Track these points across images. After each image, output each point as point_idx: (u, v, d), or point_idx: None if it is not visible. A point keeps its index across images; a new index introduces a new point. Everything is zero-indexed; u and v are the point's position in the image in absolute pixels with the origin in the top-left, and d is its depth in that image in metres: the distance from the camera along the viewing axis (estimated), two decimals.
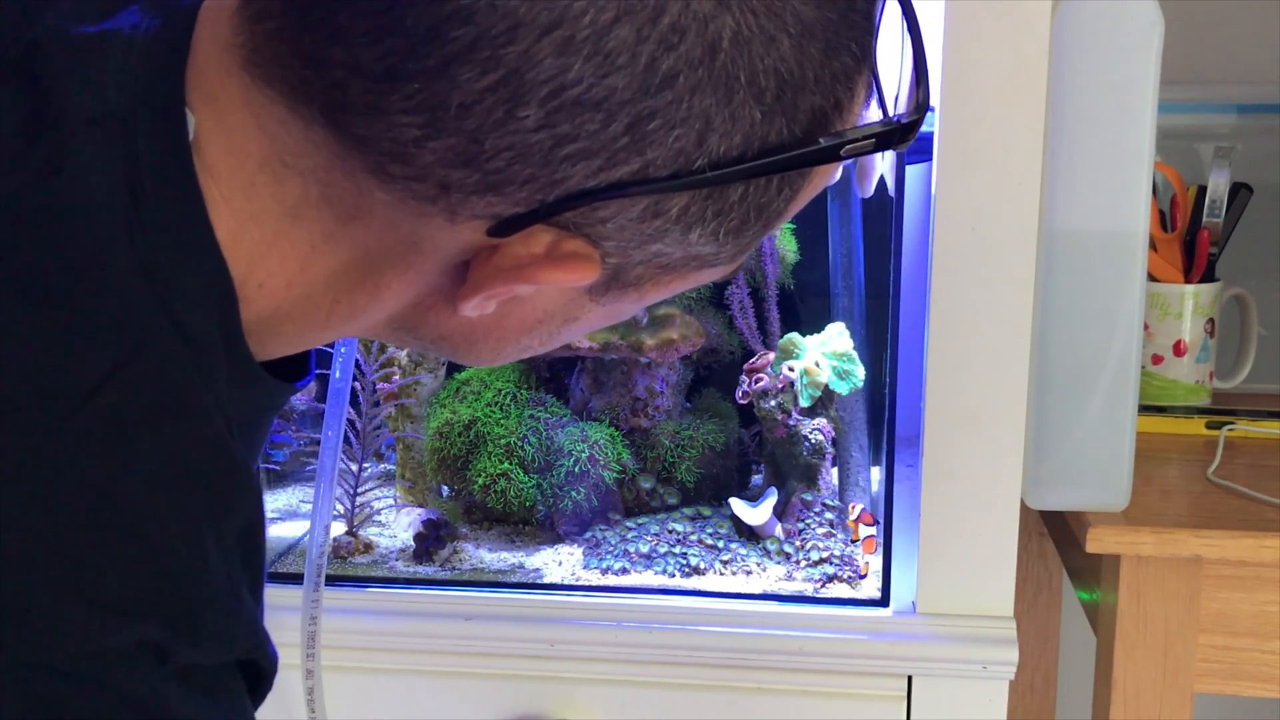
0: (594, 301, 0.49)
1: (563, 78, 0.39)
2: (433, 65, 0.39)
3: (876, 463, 1.13)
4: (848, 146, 0.43)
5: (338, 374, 0.88)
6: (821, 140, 0.43)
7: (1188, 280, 1.15)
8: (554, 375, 1.12)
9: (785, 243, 1.09)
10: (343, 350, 0.87)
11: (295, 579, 0.99)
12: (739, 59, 0.40)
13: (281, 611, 0.92)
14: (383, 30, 0.39)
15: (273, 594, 0.96)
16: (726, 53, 0.40)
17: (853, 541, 0.99)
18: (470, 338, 0.50)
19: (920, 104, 0.45)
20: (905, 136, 0.44)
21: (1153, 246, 1.11)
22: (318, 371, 1.05)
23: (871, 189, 0.97)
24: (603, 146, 0.40)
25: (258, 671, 0.47)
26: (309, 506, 1.12)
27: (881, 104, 0.46)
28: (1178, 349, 1.15)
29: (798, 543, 0.99)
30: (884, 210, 0.94)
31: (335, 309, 0.47)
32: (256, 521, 0.48)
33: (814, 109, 0.42)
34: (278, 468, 1.17)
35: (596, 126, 0.40)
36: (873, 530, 0.99)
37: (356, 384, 1.03)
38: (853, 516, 1.01)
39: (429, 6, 0.38)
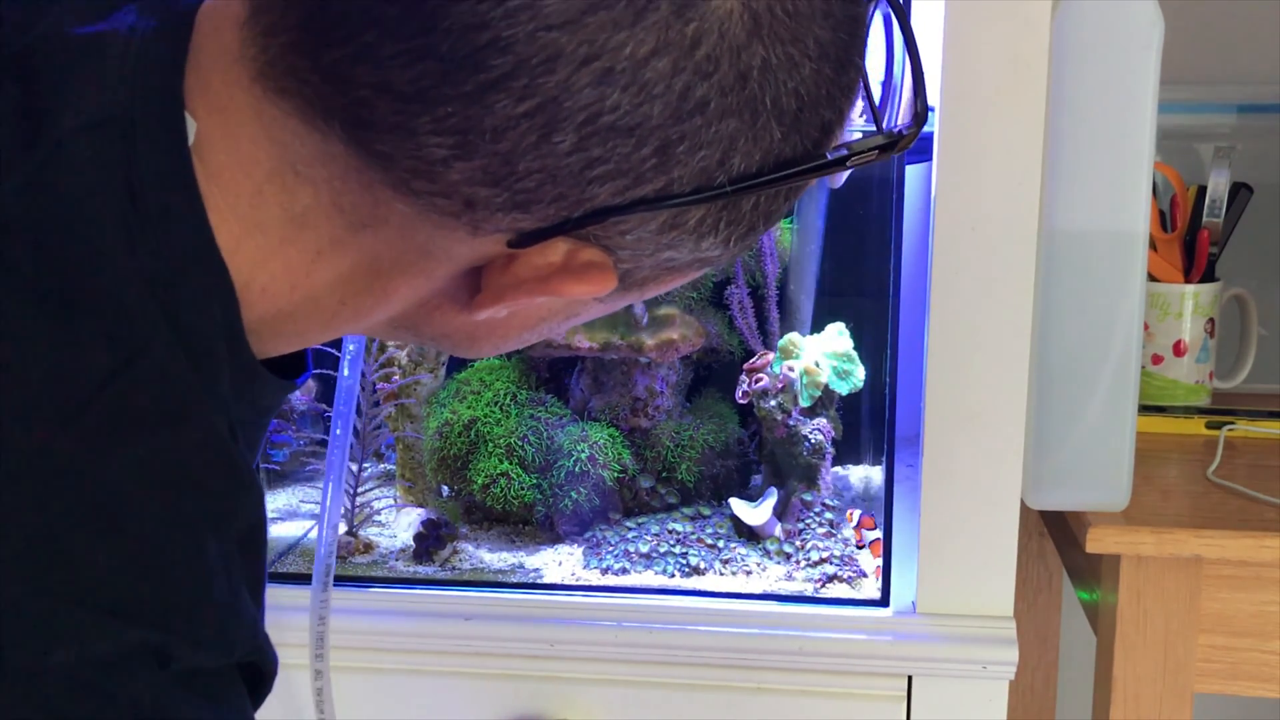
0: (596, 300, 0.49)
1: (599, 106, 0.39)
2: (469, 91, 0.39)
3: (876, 463, 1.13)
4: (854, 158, 0.45)
5: (346, 372, 0.88)
6: (828, 154, 0.44)
7: (1188, 280, 1.15)
8: (554, 375, 1.12)
9: (785, 242, 1.09)
10: (350, 348, 0.87)
11: (298, 579, 0.99)
12: (766, 84, 0.41)
13: (289, 612, 0.92)
14: (416, 54, 0.39)
15: (278, 594, 0.96)
16: (755, 80, 0.41)
17: (860, 547, 0.99)
18: (473, 335, 0.51)
19: (919, 114, 0.46)
20: (905, 145, 0.46)
21: (1153, 246, 1.11)
22: (316, 371, 1.04)
23: (841, 181, 0.97)
24: (631, 168, 0.41)
25: (258, 674, 0.47)
26: (309, 506, 1.12)
27: (875, 110, 0.47)
28: (1178, 349, 1.15)
29: (798, 543, 0.99)
30: (884, 210, 0.94)
31: (340, 310, 0.47)
32: (257, 523, 0.47)
33: (823, 123, 0.44)
34: (278, 468, 1.17)
35: (628, 150, 0.40)
36: (877, 534, 0.99)
37: None
38: (853, 524, 1.01)
39: (467, 34, 0.38)
